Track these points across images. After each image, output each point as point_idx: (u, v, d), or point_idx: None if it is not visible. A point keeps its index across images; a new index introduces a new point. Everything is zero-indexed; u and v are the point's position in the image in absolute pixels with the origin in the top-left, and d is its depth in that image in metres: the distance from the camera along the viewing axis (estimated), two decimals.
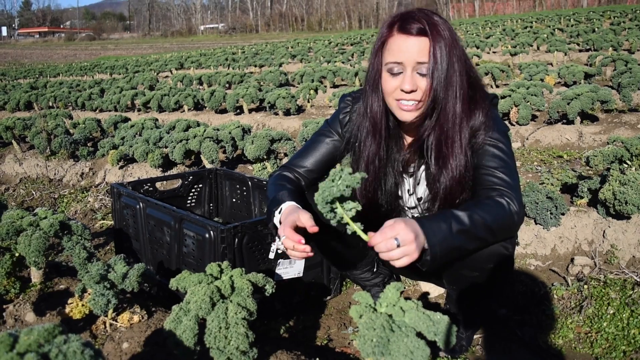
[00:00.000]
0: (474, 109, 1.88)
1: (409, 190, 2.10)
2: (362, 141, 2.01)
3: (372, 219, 2.14)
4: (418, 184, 2.06)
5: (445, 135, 1.85)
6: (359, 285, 2.78)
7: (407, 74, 1.79)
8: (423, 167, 2.01)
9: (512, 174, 1.84)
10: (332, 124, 2.15)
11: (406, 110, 1.85)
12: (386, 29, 1.82)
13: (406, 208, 2.14)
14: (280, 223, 1.84)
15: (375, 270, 2.57)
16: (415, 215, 2.14)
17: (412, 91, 1.80)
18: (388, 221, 1.57)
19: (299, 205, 1.86)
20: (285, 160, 5.02)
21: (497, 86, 8.86)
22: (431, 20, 1.77)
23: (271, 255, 2.54)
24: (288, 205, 1.86)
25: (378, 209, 2.10)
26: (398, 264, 1.55)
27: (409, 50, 1.76)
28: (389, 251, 1.53)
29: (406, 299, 1.46)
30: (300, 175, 2.12)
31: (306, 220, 1.73)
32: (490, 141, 1.87)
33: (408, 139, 2.04)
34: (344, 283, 3.02)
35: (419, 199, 2.09)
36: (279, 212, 1.87)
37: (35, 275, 2.55)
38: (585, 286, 2.73)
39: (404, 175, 2.08)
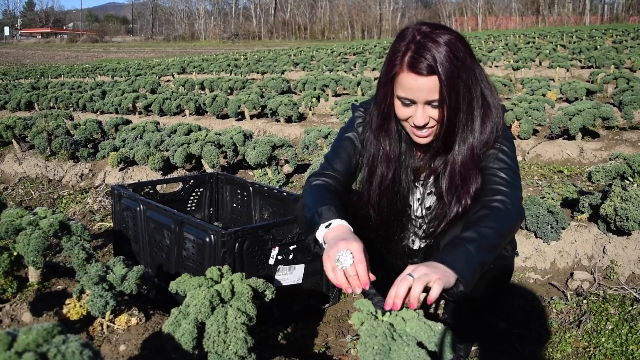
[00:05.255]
0: (485, 126, 1.89)
1: (419, 200, 2.10)
2: (376, 163, 2.02)
3: (383, 226, 2.14)
4: (428, 193, 2.07)
5: (459, 166, 1.89)
6: (362, 294, 2.77)
7: (419, 109, 1.79)
8: (433, 177, 2.02)
9: (513, 175, 1.87)
10: (350, 128, 2.12)
11: (420, 137, 1.88)
12: (399, 60, 1.76)
13: (413, 217, 2.14)
14: (324, 241, 1.74)
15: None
16: (421, 224, 2.14)
17: (425, 124, 1.82)
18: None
19: (351, 228, 1.75)
20: (286, 167, 5.02)
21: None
22: (442, 51, 1.71)
23: (271, 261, 2.54)
24: (341, 224, 1.74)
25: (389, 217, 2.11)
26: (432, 295, 1.45)
27: (420, 90, 1.75)
28: (408, 287, 1.46)
29: (405, 307, 1.45)
30: (336, 180, 2.04)
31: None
32: (496, 145, 1.91)
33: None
34: (343, 291, 3.00)
35: (428, 208, 2.09)
36: (327, 227, 1.75)
37: (33, 275, 2.53)
38: (585, 301, 2.72)
39: (416, 184, 2.08)
